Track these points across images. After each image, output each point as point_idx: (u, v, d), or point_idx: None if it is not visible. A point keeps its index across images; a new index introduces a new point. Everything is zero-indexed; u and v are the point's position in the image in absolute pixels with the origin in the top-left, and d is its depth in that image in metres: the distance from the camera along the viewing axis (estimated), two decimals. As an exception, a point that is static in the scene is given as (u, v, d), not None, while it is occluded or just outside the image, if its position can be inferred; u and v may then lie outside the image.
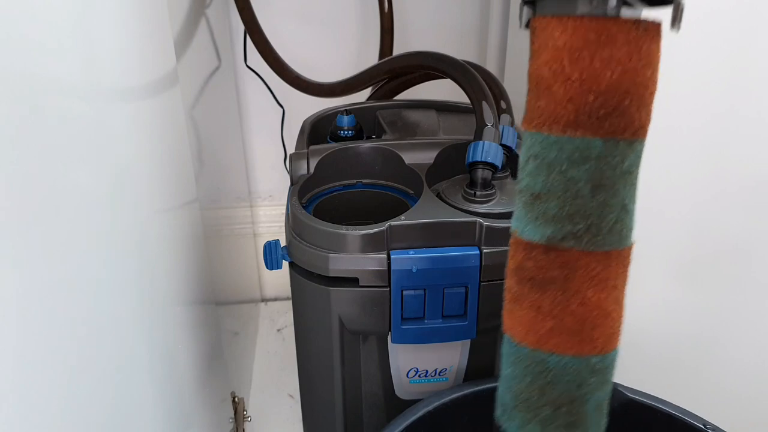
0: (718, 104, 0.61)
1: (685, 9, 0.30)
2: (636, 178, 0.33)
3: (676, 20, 0.30)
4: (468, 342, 0.58)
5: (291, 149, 0.68)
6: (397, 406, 0.61)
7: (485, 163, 0.56)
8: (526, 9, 0.33)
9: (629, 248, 0.34)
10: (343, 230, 0.52)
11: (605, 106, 0.30)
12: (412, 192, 0.62)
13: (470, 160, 0.57)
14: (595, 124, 0.30)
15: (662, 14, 0.30)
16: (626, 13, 0.30)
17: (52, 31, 0.32)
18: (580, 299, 0.33)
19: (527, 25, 0.33)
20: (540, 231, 0.33)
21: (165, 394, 0.48)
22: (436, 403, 0.53)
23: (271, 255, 0.57)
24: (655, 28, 0.30)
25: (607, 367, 0.36)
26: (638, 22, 0.29)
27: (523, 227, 0.34)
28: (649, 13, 0.30)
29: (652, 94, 0.31)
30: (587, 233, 0.32)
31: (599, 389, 0.36)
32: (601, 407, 0.37)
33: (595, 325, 0.34)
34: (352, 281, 0.53)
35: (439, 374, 0.60)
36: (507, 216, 0.55)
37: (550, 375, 0.35)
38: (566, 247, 0.33)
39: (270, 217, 1.14)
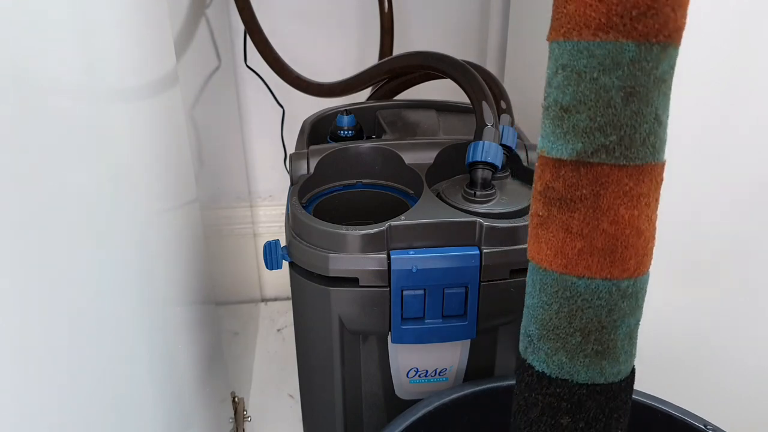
0: (717, 106, 0.61)
1: None
2: (669, 88, 0.31)
3: None
4: (468, 342, 0.58)
5: (291, 149, 0.68)
6: (397, 406, 0.61)
7: (485, 163, 0.56)
8: None
9: (662, 164, 0.33)
10: (343, 230, 0.52)
11: (638, 6, 0.29)
12: (412, 192, 0.62)
13: (470, 160, 0.57)
14: (628, 26, 0.29)
15: None
16: None
17: (52, 31, 0.32)
18: (612, 217, 0.32)
19: None
20: (569, 146, 0.32)
21: (165, 394, 0.48)
22: (436, 403, 0.53)
23: (271, 255, 0.57)
24: None
25: (639, 291, 0.34)
26: None
27: (551, 145, 0.33)
28: None
29: None
30: (619, 146, 0.31)
31: (630, 315, 0.35)
32: (631, 335, 0.35)
33: (628, 244, 0.33)
34: (352, 281, 0.53)
35: (439, 374, 0.60)
36: (507, 216, 0.55)
37: (580, 300, 0.34)
38: (597, 162, 0.32)
39: (270, 217, 1.14)
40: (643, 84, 0.30)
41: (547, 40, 0.33)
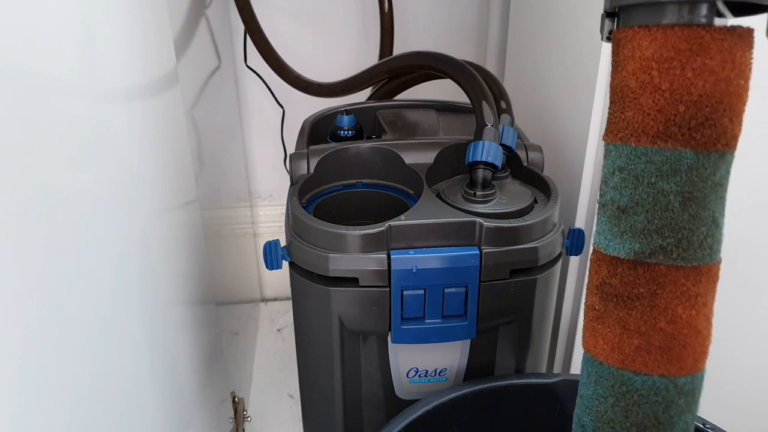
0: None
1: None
2: (726, 190, 0.32)
3: None
4: (468, 342, 0.58)
5: (291, 149, 0.68)
6: (397, 406, 0.61)
7: (485, 163, 0.56)
8: (607, 21, 0.33)
9: (718, 263, 0.33)
10: (343, 230, 0.52)
11: (697, 117, 0.29)
12: (412, 192, 0.62)
13: (470, 160, 0.57)
14: (686, 136, 0.30)
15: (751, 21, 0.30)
16: (717, 21, 0.29)
17: (53, 32, 0.32)
18: (670, 316, 0.32)
19: (609, 38, 0.33)
20: (627, 246, 0.32)
21: (165, 394, 0.48)
22: (435, 403, 0.53)
23: (271, 255, 0.57)
24: (748, 34, 0.29)
25: (696, 388, 0.35)
26: (732, 30, 0.29)
27: (608, 242, 0.33)
28: (738, 21, 0.29)
29: (744, 103, 0.30)
30: (677, 248, 0.31)
31: (687, 411, 0.35)
32: (687, 431, 0.35)
33: (685, 343, 0.33)
34: (352, 281, 0.53)
35: (439, 374, 0.60)
36: (507, 216, 0.55)
37: (636, 395, 0.34)
38: (654, 262, 0.32)
39: (270, 217, 1.14)
40: (701, 189, 0.31)
41: (604, 140, 0.33)
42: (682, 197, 0.31)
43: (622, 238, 0.33)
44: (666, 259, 0.32)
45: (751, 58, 0.30)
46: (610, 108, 0.33)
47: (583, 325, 0.36)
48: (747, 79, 0.30)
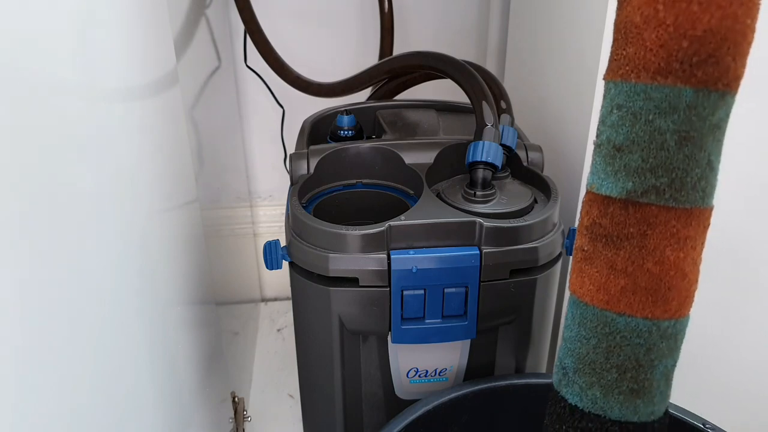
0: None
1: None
2: (723, 134, 0.31)
3: None
4: (468, 342, 0.58)
5: (291, 149, 0.68)
6: (397, 406, 0.61)
7: (485, 163, 0.56)
8: None
9: (710, 209, 0.33)
10: (343, 230, 0.52)
11: (699, 53, 0.29)
12: (412, 192, 0.62)
13: (470, 160, 0.57)
14: (687, 72, 0.30)
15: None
16: None
17: (53, 32, 0.32)
18: (657, 258, 0.32)
19: None
20: (620, 185, 0.32)
21: (165, 394, 0.48)
22: (435, 403, 0.53)
23: (271, 255, 0.57)
24: None
25: (678, 333, 0.35)
26: None
27: (600, 182, 0.33)
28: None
29: (749, 43, 0.30)
30: (670, 188, 0.31)
31: (668, 356, 0.35)
32: (668, 376, 0.36)
33: (671, 286, 0.33)
34: (352, 281, 0.53)
35: (439, 374, 0.60)
36: (507, 216, 0.55)
37: (619, 337, 0.34)
38: (646, 203, 0.32)
39: (270, 217, 1.14)
40: (698, 129, 0.30)
41: (604, 79, 0.33)
42: (679, 136, 0.31)
43: (615, 177, 0.33)
44: (658, 199, 0.32)
45: None
46: (612, 47, 0.32)
47: (571, 267, 0.36)
48: (754, 18, 0.29)
